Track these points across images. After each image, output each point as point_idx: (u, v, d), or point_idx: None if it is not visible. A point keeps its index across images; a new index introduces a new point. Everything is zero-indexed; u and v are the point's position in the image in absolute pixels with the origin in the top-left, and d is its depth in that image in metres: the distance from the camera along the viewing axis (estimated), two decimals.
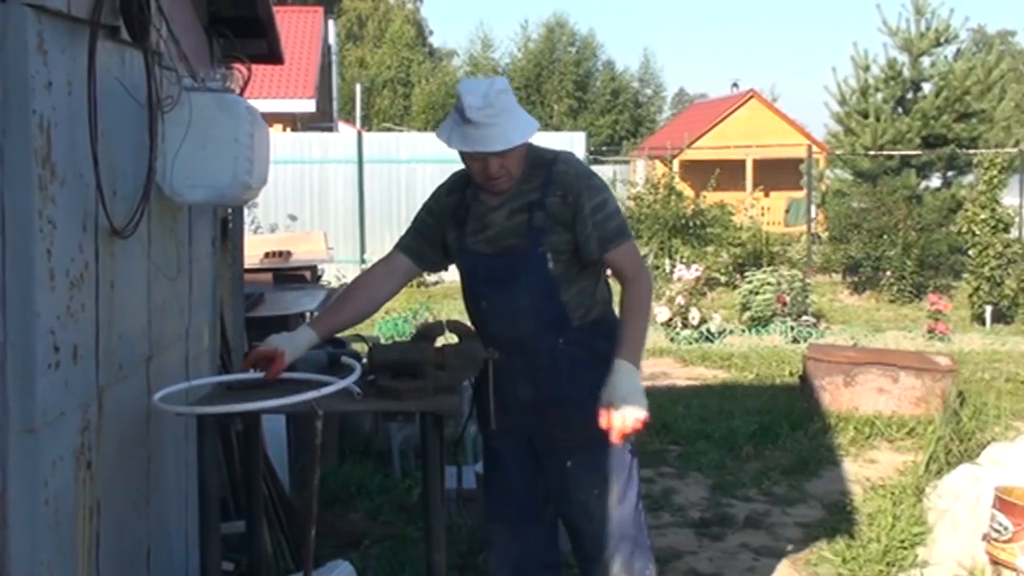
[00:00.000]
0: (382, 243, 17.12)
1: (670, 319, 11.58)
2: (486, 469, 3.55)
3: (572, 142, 17.92)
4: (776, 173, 25.93)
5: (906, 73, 17.59)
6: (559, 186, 3.22)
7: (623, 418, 2.96)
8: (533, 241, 3.21)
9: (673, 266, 15.19)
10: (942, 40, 17.43)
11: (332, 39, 24.82)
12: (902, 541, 4.93)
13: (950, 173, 17.65)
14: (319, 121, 23.40)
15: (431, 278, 16.98)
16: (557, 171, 3.24)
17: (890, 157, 17.22)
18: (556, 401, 3.26)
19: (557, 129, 33.70)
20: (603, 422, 2.98)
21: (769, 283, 12.39)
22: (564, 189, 3.21)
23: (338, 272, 15.32)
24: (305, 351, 3.21)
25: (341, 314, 3.39)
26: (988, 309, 12.81)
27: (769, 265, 14.67)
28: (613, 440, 3.00)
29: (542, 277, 3.22)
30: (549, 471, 3.37)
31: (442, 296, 15.40)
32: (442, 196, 3.41)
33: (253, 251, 6.98)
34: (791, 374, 9.08)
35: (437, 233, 3.38)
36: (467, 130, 3.09)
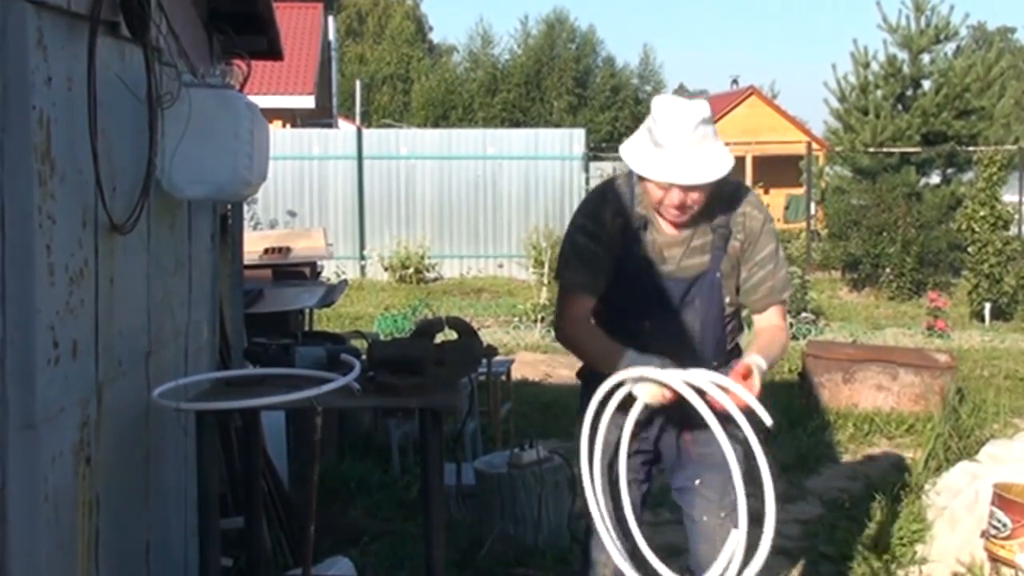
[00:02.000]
0: (381, 239, 17.14)
1: None
2: (599, 494, 3.19)
3: (572, 139, 17.93)
4: (776, 170, 25.93)
5: (906, 70, 17.57)
6: (742, 228, 3.15)
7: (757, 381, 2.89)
8: (713, 265, 3.15)
9: None
10: (942, 37, 17.42)
11: (332, 35, 24.79)
12: (901, 538, 4.94)
13: (950, 170, 17.64)
14: (319, 117, 23.37)
15: (430, 275, 17.01)
16: (742, 212, 3.16)
17: (890, 154, 17.21)
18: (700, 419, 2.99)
19: (557, 126, 33.67)
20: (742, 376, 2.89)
21: None
22: (746, 232, 3.16)
23: (337, 268, 15.33)
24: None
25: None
26: (987, 306, 12.82)
27: None
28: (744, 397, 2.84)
29: (716, 302, 3.19)
30: (677, 486, 3.30)
31: (441, 293, 15.41)
32: (605, 220, 3.17)
33: (252, 247, 6.97)
34: (790, 371, 9.08)
35: (605, 260, 3.16)
36: (667, 157, 2.93)
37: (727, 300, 3.22)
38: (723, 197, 3.13)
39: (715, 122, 3.05)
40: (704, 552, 3.23)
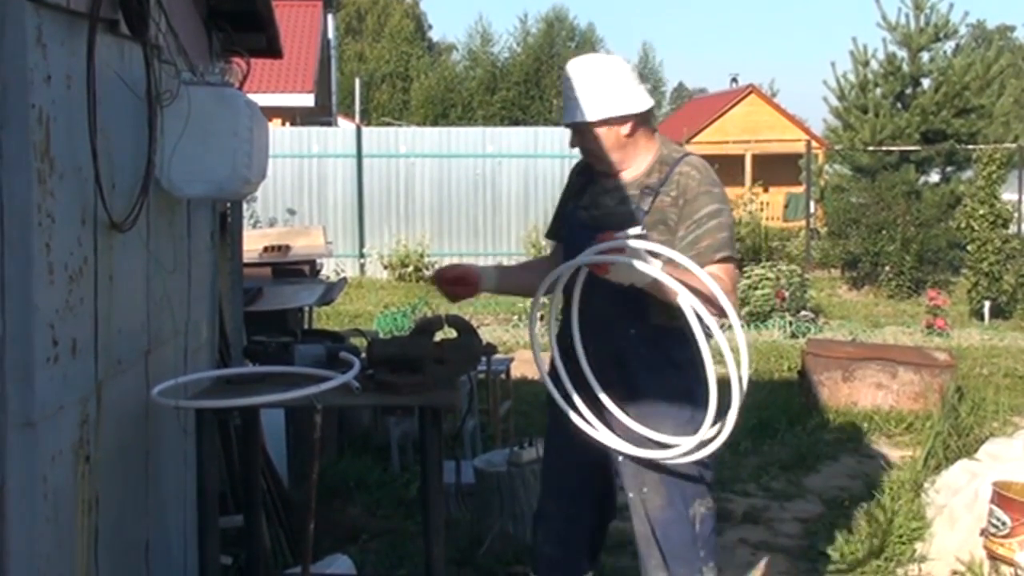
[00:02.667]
0: (381, 237, 17.13)
1: None
2: (550, 443, 3.48)
3: None
4: (775, 168, 25.94)
5: (905, 68, 17.58)
6: (675, 186, 3.17)
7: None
8: (631, 225, 3.12)
9: None
10: (941, 35, 17.43)
11: (331, 33, 24.77)
12: (900, 536, 4.93)
13: (949, 168, 17.66)
14: (318, 115, 23.37)
15: (429, 273, 17.01)
16: (679, 171, 3.18)
17: (889, 152, 17.22)
18: (622, 393, 3.18)
19: (556, 124, 33.64)
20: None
21: (768, 278, 12.40)
22: (679, 190, 3.16)
23: (337, 266, 15.33)
24: (488, 289, 3.42)
25: (520, 279, 3.57)
26: (986, 304, 12.82)
27: (768, 260, 14.68)
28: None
29: None
30: (611, 459, 3.33)
31: None
32: (573, 177, 3.46)
33: (252, 245, 6.97)
34: (790, 369, 9.08)
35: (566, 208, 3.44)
36: (566, 103, 3.20)
37: None
38: (666, 160, 3.23)
39: (638, 79, 3.26)
40: (635, 525, 3.30)
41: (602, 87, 3.14)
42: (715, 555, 3.29)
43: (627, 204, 3.21)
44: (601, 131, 3.16)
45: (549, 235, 3.55)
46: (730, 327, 2.89)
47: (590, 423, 3.17)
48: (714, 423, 2.99)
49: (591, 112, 3.14)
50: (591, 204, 3.30)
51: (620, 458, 3.25)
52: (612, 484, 3.40)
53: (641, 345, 3.16)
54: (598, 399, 3.19)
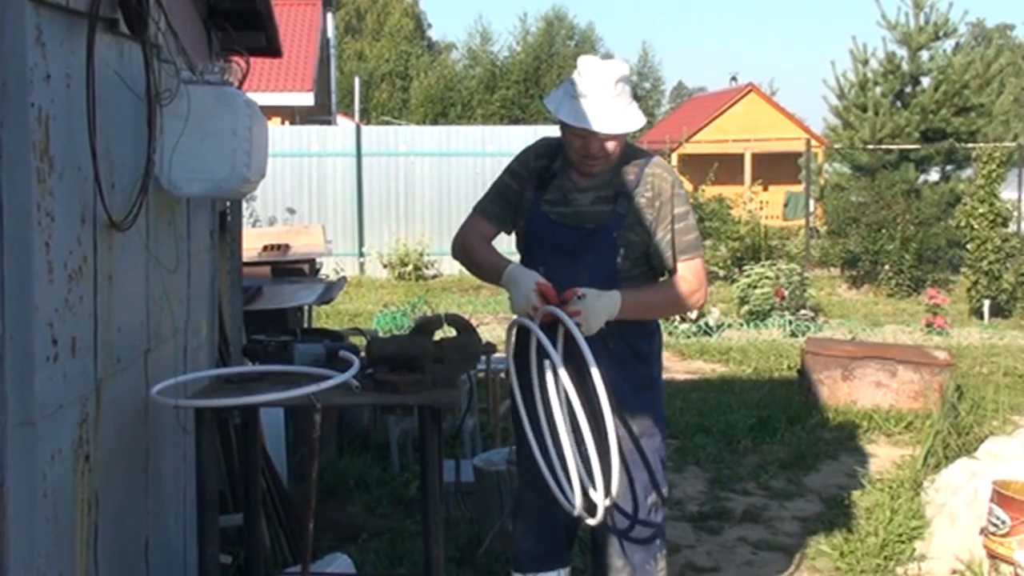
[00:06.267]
0: (380, 236, 17.13)
1: None
2: (526, 436, 3.42)
3: None
4: (774, 167, 25.91)
5: (905, 67, 17.57)
6: (650, 187, 3.27)
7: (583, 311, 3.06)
8: (610, 226, 3.25)
9: None
10: (941, 34, 17.42)
11: (331, 32, 24.75)
12: (900, 535, 4.94)
13: (949, 167, 17.65)
14: (317, 114, 23.36)
15: (429, 272, 17.01)
16: (651, 172, 3.29)
17: (889, 151, 17.22)
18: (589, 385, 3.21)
19: (556, 123, 33.61)
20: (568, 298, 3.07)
21: (767, 277, 12.39)
22: (654, 192, 3.27)
23: (336, 265, 15.32)
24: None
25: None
26: (986, 303, 12.82)
27: (767, 259, 14.68)
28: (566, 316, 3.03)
29: (607, 262, 3.25)
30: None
31: (440, 290, 15.41)
32: (530, 160, 3.41)
33: (251, 244, 6.98)
34: (789, 368, 9.08)
35: (519, 196, 3.39)
36: (583, 107, 3.14)
37: (619, 262, 3.27)
38: (633, 162, 3.31)
39: (631, 86, 3.28)
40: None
41: (626, 97, 3.18)
42: (666, 543, 3.47)
43: (603, 204, 3.29)
44: (623, 140, 3.23)
45: (488, 214, 3.43)
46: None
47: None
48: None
49: (631, 124, 3.17)
50: (561, 200, 3.32)
51: (581, 448, 3.28)
52: None
53: (611, 339, 3.24)
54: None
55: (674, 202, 3.29)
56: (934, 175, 17.77)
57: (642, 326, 3.35)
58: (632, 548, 3.36)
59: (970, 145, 16.59)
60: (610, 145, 3.20)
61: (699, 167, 22.07)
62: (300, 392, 2.88)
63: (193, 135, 3.09)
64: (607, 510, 3.22)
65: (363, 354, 3.28)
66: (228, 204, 4.67)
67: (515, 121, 35.31)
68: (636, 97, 3.42)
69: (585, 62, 3.20)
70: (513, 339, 3.37)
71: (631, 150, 3.34)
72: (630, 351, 3.30)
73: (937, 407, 6.94)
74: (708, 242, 16.69)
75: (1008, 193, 14.97)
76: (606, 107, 3.13)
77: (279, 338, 3.43)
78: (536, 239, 3.34)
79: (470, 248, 3.42)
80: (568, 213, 3.29)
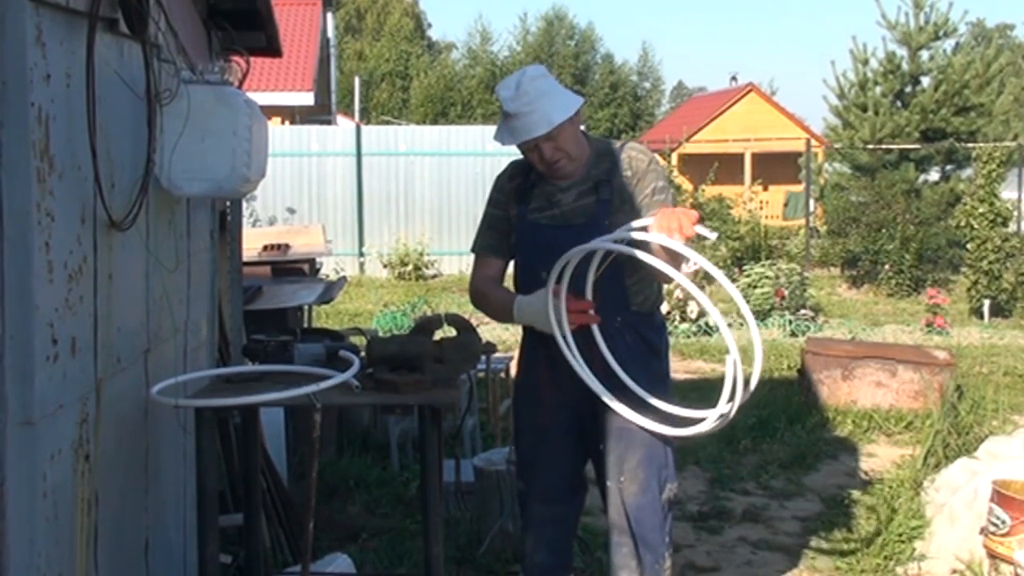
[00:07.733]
0: (380, 236, 17.13)
1: (668, 313, 11.58)
2: (529, 445, 3.45)
3: None
4: (774, 167, 25.91)
5: (905, 67, 17.58)
6: (628, 167, 3.30)
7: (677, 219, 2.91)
8: (600, 215, 3.25)
9: None
10: (941, 34, 17.42)
11: (331, 32, 24.76)
12: (900, 535, 4.94)
13: (949, 167, 17.65)
14: (317, 114, 23.36)
15: (429, 271, 17.01)
16: (627, 155, 3.32)
17: (889, 151, 17.22)
18: (604, 381, 3.23)
19: None
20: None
21: (767, 277, 12.39)
22: (632, 170, 3.30)
23: (336, 265, 15.32)
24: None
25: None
26: (986, 303, 12.81)
27: (767, 259, 14.68)
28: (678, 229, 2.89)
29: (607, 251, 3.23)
30: (588, 450, 3.41)
31: (440, 289, 15.40)
32: (504, 184, 3.45)
33: (251, 244, 6.98)
34: (789, 368, 9.08)
35: (506, 219, 3.41)
36: (512, 124, 3.19)
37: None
38: (607, 153, 3.34)
39: (560, 83, 3.32)
40: (610, 515, 3.38)
41: (548, 92, 3.21)
42: (672, 543, 3.46)
43: (586, 197, 3.30)
44: (568, 130, 3.23)
45: (488, 249, 3.45)
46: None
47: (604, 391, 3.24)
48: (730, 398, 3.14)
49: (556, 115, 3.18)
50: (546, 205, 3.34)
51: (601, 447, 3.34)
52: (583, 479, 3.50)
53: (626, 332, 3.28)
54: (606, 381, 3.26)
55: (652, 175, 3.31)
56: (934, 175, 17.77)
57: (650, 319, 3.37)
58: (644, 548, 3.33)
59: (970, 145, 16.60)
60: (559, 141, 3.21)
61: (699, 167, 22.06)
62: (300, 392, 2.88)
63: (193, 135, 3.09)
64: (622, 505, 3.27)
65: (363, 354, 3.28)
66: (228, 204, 4.67)
67: None
68: (579, 85, 3.40)
69: (499, 87, 3.26)
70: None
71: (602, 144, 3.38)
72: (644, 345, 3.33)
73: (937, 407, 6.94)
74: (708, 242, 16.68)
75: (1008, 193, 14.97)
76: (528, 113, 3.16)
77: (279, 338, 3.43)
78: (531, 248, 3.34)
79: (483, 296, 3.45)
80: (557, 214, 3.31)
